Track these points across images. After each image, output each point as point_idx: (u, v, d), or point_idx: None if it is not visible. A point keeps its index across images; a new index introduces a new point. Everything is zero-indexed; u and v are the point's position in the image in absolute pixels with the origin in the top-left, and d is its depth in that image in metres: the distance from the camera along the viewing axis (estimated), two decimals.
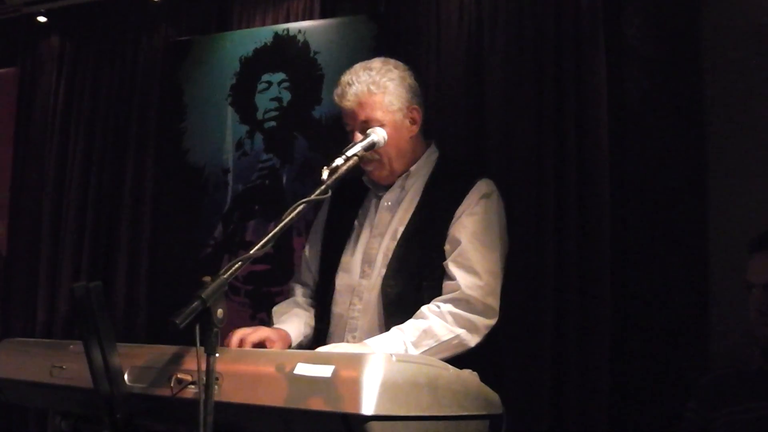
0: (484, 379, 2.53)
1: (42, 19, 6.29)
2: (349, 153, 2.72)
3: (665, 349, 4.00)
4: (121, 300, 5.64)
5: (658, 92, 4.20)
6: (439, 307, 2.92)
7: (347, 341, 3.07)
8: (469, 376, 2.43)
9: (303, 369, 2.04)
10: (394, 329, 2.85)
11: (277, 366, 2.10)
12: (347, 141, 2.86)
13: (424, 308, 2.92)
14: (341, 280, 3.19)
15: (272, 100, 5.35)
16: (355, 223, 3.26)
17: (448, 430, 2.25)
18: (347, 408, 1.93)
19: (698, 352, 3.94)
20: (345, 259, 3.22)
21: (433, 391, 2.14)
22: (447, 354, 2.79)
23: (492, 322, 2.98)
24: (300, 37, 5.29)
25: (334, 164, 2.64)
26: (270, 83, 5.37)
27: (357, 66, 3.21)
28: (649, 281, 4.10)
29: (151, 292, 5.64)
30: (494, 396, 2.50)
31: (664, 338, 4.02)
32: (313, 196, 2.48)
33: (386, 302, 3.04)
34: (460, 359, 2.66)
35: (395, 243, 3.10)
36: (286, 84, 5.32)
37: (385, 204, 3.21)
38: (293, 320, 3.20)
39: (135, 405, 2.32)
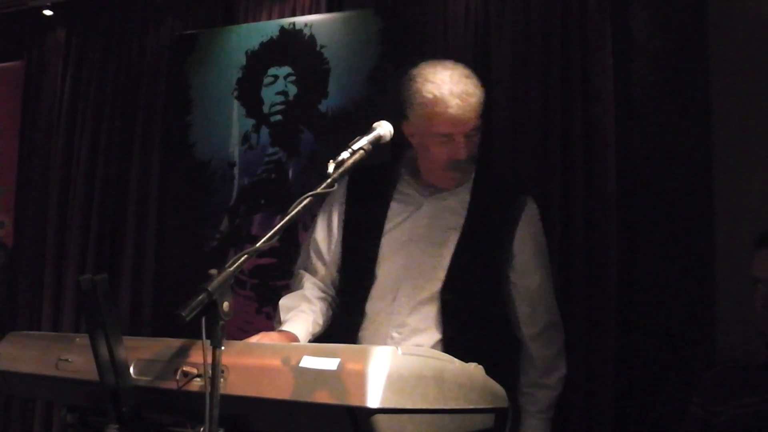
0: (489, 372, 2.53)
1: (48, 12, 6.29)
2: (355, 146, 2.71)
3: (671, 343, 4.00)
4: (126, 293, 5.64)
5: (665, 87, 4.19)
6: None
7: (392, 336, 3.15)
8: (474, 369, 2.42)
9: (309, 362, 2.04)
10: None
11: (282, 359, 2.10)
12: (353, 134, 2.85)
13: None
14: (381, 277, 3.22)
15: (278, 93, 5.34)
16: (388, 218, 3.27)
17: (453, 424, 2.25)
18: (353, 401, 1.93)
19: (704, 347, 3.93)
20: (385, 252, 3.24)
21: (439, 384, 2.14)
22: None
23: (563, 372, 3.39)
24: (306, 31, 5.28)
25: (340, 158, 2.63)
26: (276, 77, 5.36)
27: (451, 74, 3.16)
28: (655, 275, 4.09)
29: (156, 285, 5.64)
30: (500, 389, 2.50)
31: (669, 333, 4.01)
32: (319, 189, 2.48)
33: (445, 309, 3.15)
34: (467, 353, 2.69)
35: (447, 250, 3.18)
36: (292, 78, 5.31)
37: (432, 206, 3.26)
38: (300, 319, 3.18)
39: (141, 398, 2.32)
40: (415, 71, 3.19)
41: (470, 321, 3.15)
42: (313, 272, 3.39)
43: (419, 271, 3.19)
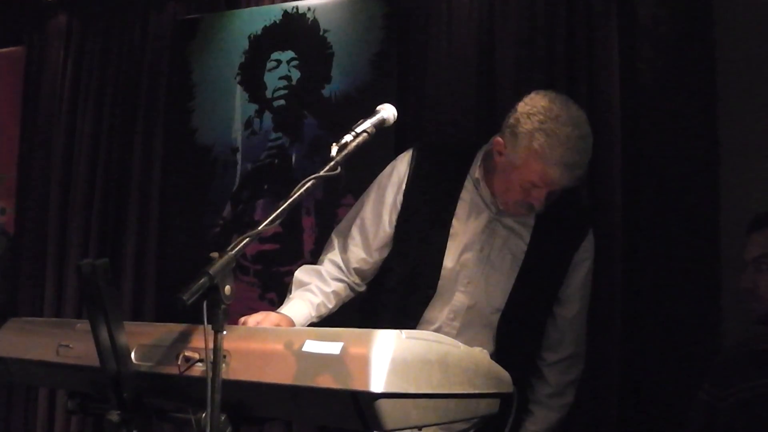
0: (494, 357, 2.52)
1: None
2: (359, 129, 2.68)
3: (676, 335, 3.99)
4: (129, 279, 5.64)
5: (671, 71, 4.17)
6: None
7: None
8: (479, 354, 2.41)
9: (311, 346, 2.02)
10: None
11: (285, 343, 2.08)
12: (356, 119, 2.82)
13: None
14: (443, 285, 3.17)
15: (281, 78, 5.33)
16: (454, 222, 3.18)
17: (458, 408, 2.23)
18: (356, 385, 1.91)
19: (709, 338, 3.92)
20: (448, 262, 3.16)
21: (444, 368, 2.12)
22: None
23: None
24: (309, 15, 5.26)
25: (343, 140, 2.61)
26: (279, 62, 5.34)
27: (572, 134, 2.93)
28: (660, 264, 4.08)
29: (159, 271, 5.63)
30: (505, 374, 2.49)
31: (675, 324, 4.00)
32: (322, 173, 2.45)
33: (500, 337, 3.16)
34: (473, 338, 2.68)
35: (507, 277, 3.16)
36: (295, 62, 5.29)
37: (497, 224, 3.18)
38: (304, 301, 3.15)
39: (142, 383, 2.30)
40: (535, 106, 2.99)
41: (520, 348, 3.18)
42: (345, 249, 3.30)
43: (480, 293, 3.15)
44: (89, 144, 5.96)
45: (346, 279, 3.28)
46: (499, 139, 3.06)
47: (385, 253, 3.28)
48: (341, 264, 3.29)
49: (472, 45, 4.66)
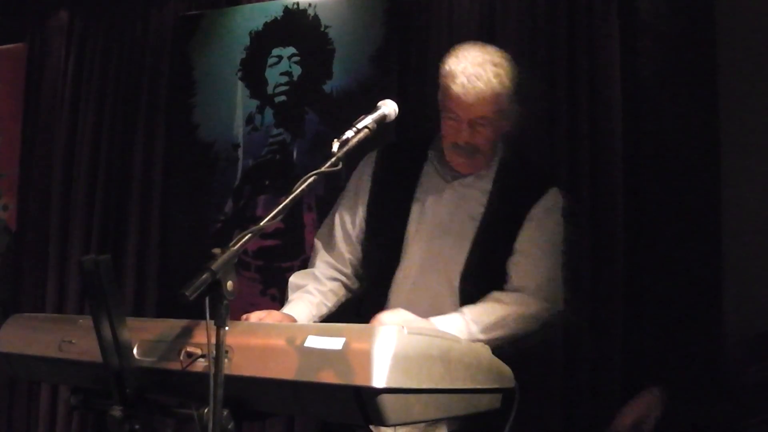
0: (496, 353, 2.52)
1: None
2: (360, 125, 2.69)
3: (679, 320, 3.98)
4: (131, 275, 5.64)
5: (672, 65, 4.17)
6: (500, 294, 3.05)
7: None
8: (481, 349, 2.41)
9: (314, 342, 2.03)
10: (455, 313, 2.93)
11: (287, 339, 2.09)
12: (357, 115, 2.83)
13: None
14: (405, 262, 3.19)
15: (282, 74, 5.33)
16: (414, 202, 3.21)
17: (460, 404, 2.24)
18: (359, 381, 1.92)
19: (712, 324, 3.92)
20: (409, 238, 3.19)
21: (446, 363, 2.13)
22: (509, 337, 2.94)
23: (555, 307, 3.14)
24: (311, 11, 5.26)
25: (344, 137, 2.61)
26: (280, 57, 5.35)
27: (478, 55, 3.07)
28: (662, 252, 4.08)
29: (161, 267, 5.64)
30: (507, 370, 2.49)
31: (676, 321, 4.00)
32: (323, 168, 2.46)
33: (463, 300, 3.07)
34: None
35: (466, 240, 3.13)
36: (296, 58, 5.30)
37: (454, 192, 3.20)
38: (304, 301, 3.18)
39: (145, 379, 2.31)
40: (453, 48, 3.14)
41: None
42: (331, 248, 3.34)
43: (438, 261, 3.15)
44: (91, 140, 5.96)
45: (340, 277, 3.31)
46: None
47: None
48: (333, 262, 3.32)
49: (473, 39, 4.62)
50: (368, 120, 2.71)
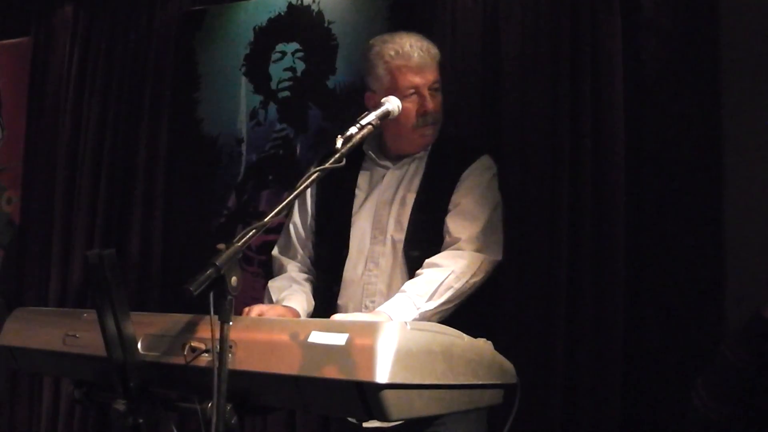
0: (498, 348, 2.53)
1: None
2: (364, 121, 2.70)
3: (679, 330, 3.99)
4: (134, 269, 5.65)
5: (674, 62, 4.16)
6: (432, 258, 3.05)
7: (365, 306, 3.12)
8: (483, 344, 2.43)
9: (317, 337, 2.04)
10: (398, 293, 2.92)
11: (291, 334, 2.10)
12: (361, 111, 2.84)
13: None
14: (353, 247, 3.23)
15: (286, 70, 5.34)
16: (357, 191, 3.31)
17: (462, 399, 2.25)
18: (361, 376, 1.93)
19: (714, 323, 3.92)
20: (356, 224, 3.25)
21: (448, 359, 2.14)
22: (457, 296, 2.96)
23: (491, 257, 3.13)
24: (314, 7, 5.27)
25: (348, 133, 2.62)
26: (284, 53, 5.36)
27: (408, 35, 3.28)
28: (664, 250, 4.08)
29: (164, 261, 5.64)
30: (509, 365, 2.50)
31: (678, 319, 4.00)
32: (327, 165, 2.48)
33: (410, 267, 3.10)
34: (474, 327, 2.68)
35: (407, 210, 3.19)
36: (300, 54, 5.31)
37: (395, 173, 3.28)
38: (298, 296, 3.20)
39: (148, 373, 2.32)
40: (371, 41, 3.31)
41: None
42: (294, 256, 3.42)
43: (384, 236, 3.20)
44: (95, 135, 5.96)
45: (311, 277, 3.38)
46: (367, 94, 3.29)
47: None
48: (299, 265, 3.40)
49: (476, 36, 4.66)
50: (372, 116, 2.73)
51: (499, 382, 2.42)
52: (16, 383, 6.05)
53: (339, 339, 1.99)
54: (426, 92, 3.17)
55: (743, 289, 3.81)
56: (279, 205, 2.35)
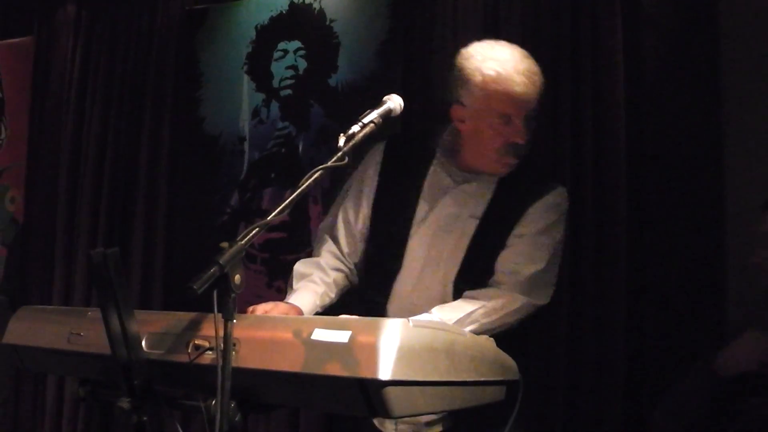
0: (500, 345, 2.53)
1: None
2: (366, 120, 2.70)
3: (681, 329, 3.99)
4: (137, 268, 5.66)
5: (675, 59, 4.17)
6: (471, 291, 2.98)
7: None
8: (485, 341, 2.42)
9: (320, 334, 2.04)
10: (425, 314, 2.86)
11: (294, 332, 2.10)
12: (363, 108, 2.84)
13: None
14: (408, 261, 3.14)
15: (288, 68, 5.35)
16: (420, 201, 3.15)
17: (464, 396, 2.25)
18: (364, 373, 1.93)
19: (715, 320, 3.93)
20: (413, 237, 3.14)
21: (450, 356, 2.14)
22: (481, 331, 2.81)
23: (534, 300, 3.03)
24: (316, 5, 5.28)
25: (350, 131, 2.62)
26: (286, 51, 5.37)
27: (512, 51, 3.02)
28: (665, 246, 4.09)
29: (167, 260, 5.65)
30: (511, 362, 2.50)
31: (680, 318, 4.01)
32: (329, 163, 2.47)
33: (457, 297, 3.02)
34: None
35: (466, 240, 3.07)
36: (302, 52, 5.32)
37: (461, 191, 3.12)
38: (308, 291, 3.15)
39: (152, 371, 2.32)
40: (470, 50, 3.05)
41: None
42: (335, 239, 3.31)
43: (438, 262, 3.10)
44: (97, 133, 5.98)
45: (343, 268, 3.29)
46: (455, 106, 3.04)
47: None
48: (336, 252, 3.30)
49: (478, 33, 4.66)
50: (374, 114, 2.71)
51: (501, 378, 2.42)
52: (20, 382, 6.06)
53: (342, 336, 1.99)
54: (520, 122, 2.95)
55: (743, 289, 3.82)
56: (282, 203, 2.35)
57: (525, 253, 3.03)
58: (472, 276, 3.05)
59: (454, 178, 3.13)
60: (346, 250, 3.30)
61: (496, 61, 2.94)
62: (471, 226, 3.08)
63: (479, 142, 3.02)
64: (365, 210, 3.26)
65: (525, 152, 3.03)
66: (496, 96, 2.92)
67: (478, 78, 2.95)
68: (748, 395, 3.10)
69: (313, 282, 3.18)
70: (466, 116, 3.01)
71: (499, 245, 3.06)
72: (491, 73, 2.92)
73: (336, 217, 3.33)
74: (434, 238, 3.11)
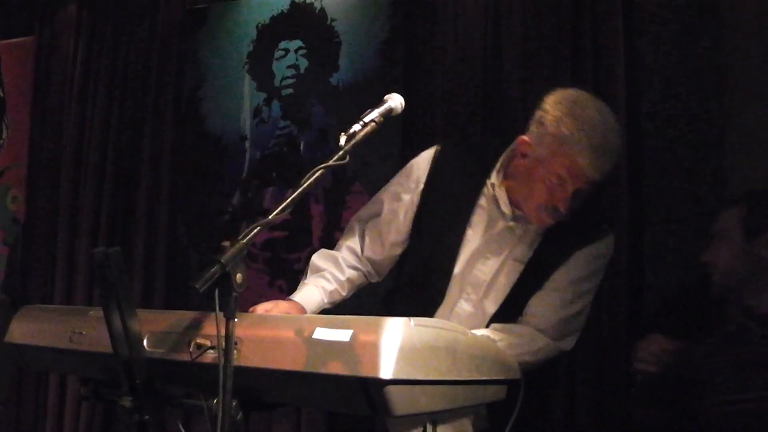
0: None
1: None
2: (367, 119, 2.69)
3: (683, 316, 3.99)
4: (139, 267, 5.66)
5: (676, 57, 4.17)
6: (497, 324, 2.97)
7: None
8: (487, 341, 2.43)
9: (321, 333, 2.04)
10: None
11: (295, 330, 2.10)
12: (364, 107, 2.83)
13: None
14: (450, 292, 3.09)
15: (289, 67, 5.36)
16: (468, 230, 3.09)
17: (466, 395, 2.25)
18: (366, 372, 1.93)
19: (716, 322, 3.92)
20: (459, 262, 3.08)
21: (452, 355, 2.14)
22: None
23: (559, 344, 3.02)
24: (317, 4, 5.29)
25: (351, 130, 2.62)
26: (287, 50, 5.37)
27: (600, 119, 2.86)
28: (665, 246, 4.08)
29: (168, 259, 5.65)
30: (512, 361, 2.50)
31: (681, 311, 4.00)
32: (331, 162, 2.47)
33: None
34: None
35: (508, 285, 3.04)
36: (303, 51, 5.32)
37: (509, 231, 3.06)
38: (317, 288, 3.15)
39: (154, 370, 2.33)
40: (564, 95, 2.93)
41: None
42: (362, 238, 3.28)
43: (477, 302, 3.06)
44: (99, 133, 5.98)
45: (361, 267, 3.27)
46: (525, 137, 2.95)
47: (399, 250, 3.25)
48: (358, 252, 3.27)
49: (478, 32, 4.67)
50: (375, 113, 2.70)
51: (502, 377, 2.42)
52: (22, 381, 6.06)
53: (343, 335, 1.99)
54: (570, 191, 2.86)
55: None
56: (283, 202, 2.35)
57: (560, 298, 3.02)
58: (508, 317, 3.03)
59: (504, 212, 3.07)
60: (368, 253, 3.27)
61: (577, 123, 2.83)
62: (515, 271, 3.05)
63: (528, 186, 2.96)
64: (403, 226, 3.21)
65: (563, 219, 2.95)
66: (560, 156, 2.85)
67: (553, 128, 2.86)
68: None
69: (325, 279, 3.18)
70: (529, 153, 2.95)
71: (538, 286, 3.03)
72: (566, 132, 2.82)
73: (371, 215, 3.30)
74: (477, 274, 3.08)
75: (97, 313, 2.47)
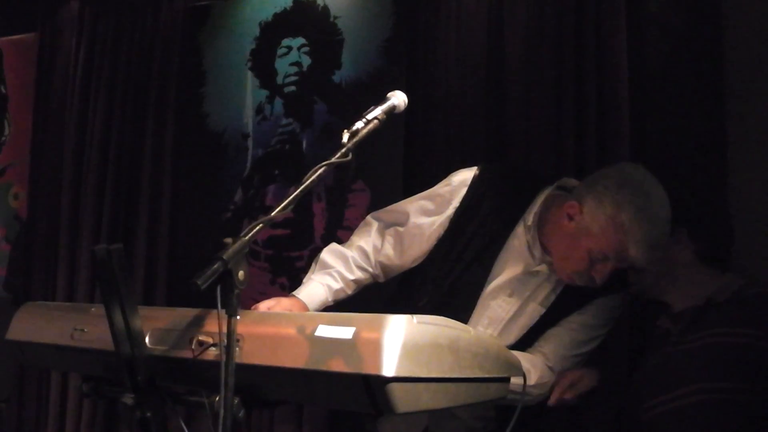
0: None
1: None
2: (370, 116, 2.68)
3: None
4: (141, 264, 5.66)
5: (679, 57, 4.16)
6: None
7: None
8: (489, 338, 2.43)
9: (324, 331, 2.04)
10: None
11: (298, 328, 2.10)
12: (366, 105, 2.82)
13: None
14: (472, 321, 3.10)
15: (292, 64, 5.35)
16: (497, 262, 3.10)
17: (468, 392, 2.24)
18: (368, 369, 1.93)
19: None
20: (481, 300, 3.11)
21: (454, 352, 2.13)
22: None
23: (551, 374, 3.13)
24: (320, 2, 5.28)
25: (354, 127, 2.61)
26: (290, 48, 5.37)
27: (660, 217, 2.89)
28: None
29: (171, 256, 5.66)
30: (515, 359, 2.50)
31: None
32: (333, 159, 2.47)
33: None
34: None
35: (528, 326, 3.10)
36: (305, 49, 5.32)
37: (534, 276, 3.09)
38: (322, 285, 3.14)
39: (156, 367, 2.32)
40: (628, 178, 2.94)
41: None
42: (380, 240, 3.26)
43: (496, 331, 3.08)
44: (101, 130, 5.98)
45: (370, 270, 3.25)
46: (575, 203, 2.95)
47: (414, 264, 3.25)
48: (370, 254, 3.25)
49: (481, 30, 4.66)
50: (377, 111, 2.70)
51: (505, 375, 2.42)
52: (23, 378, 6.06)
53: (346, 332, 1.99)
54: (609, 269, 2.91)
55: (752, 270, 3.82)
56: (285, 199, 2.34)
57: (572, 338, 3.12)
58: (518, 349, 3.06)
59: (535, 253, 3.09)
60: (382, 259, 3.26)
61: (638, 215, 2.84)
62: (536, 314, 3.11)
63: (568, 249, 2.97)
64: (424, 241, 3.20)
65: (590, 291, 3.01)
66: (610, 238, 2.86)
67: (611, 211, 2.86)
68: None
69: (331, 276, 3.17)
70: (576, 219, 2.94)
71: (553, 324, 3.11)
72: (624, 220, 2.84)
73: (394, 220, 3.28)
74: (497, 310, 3.10)
75: (98, 310, 2.47)
